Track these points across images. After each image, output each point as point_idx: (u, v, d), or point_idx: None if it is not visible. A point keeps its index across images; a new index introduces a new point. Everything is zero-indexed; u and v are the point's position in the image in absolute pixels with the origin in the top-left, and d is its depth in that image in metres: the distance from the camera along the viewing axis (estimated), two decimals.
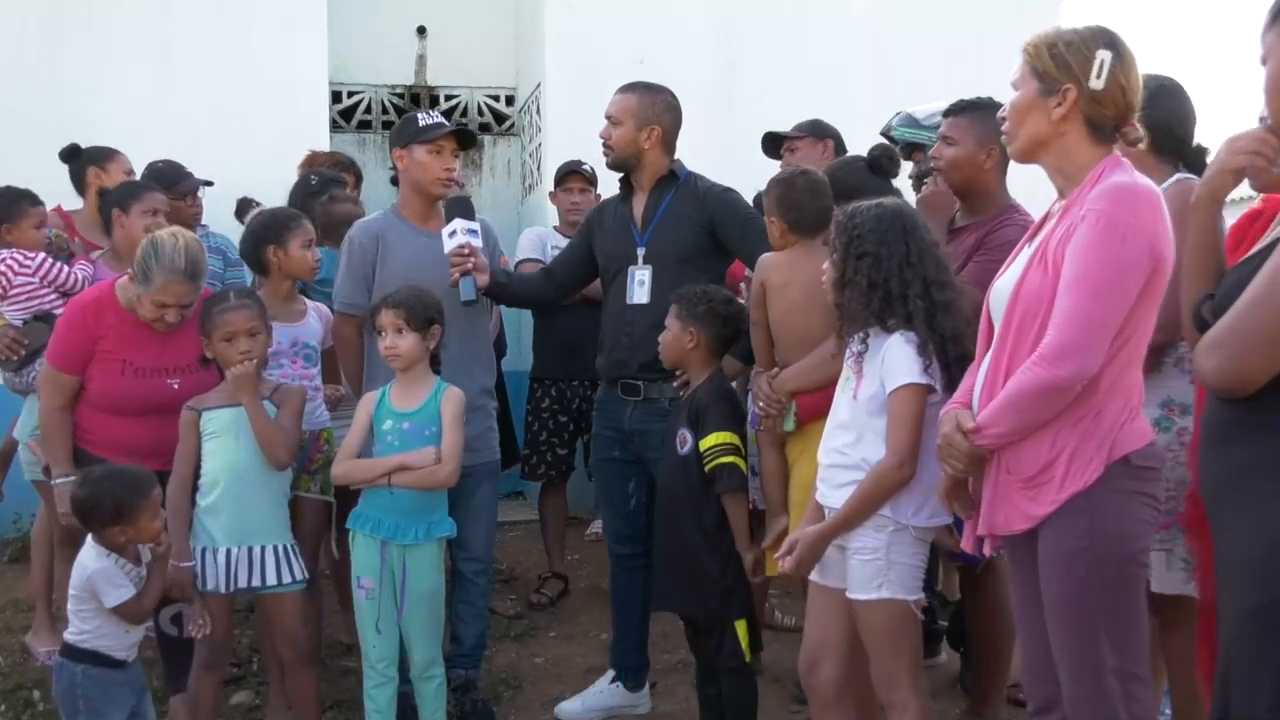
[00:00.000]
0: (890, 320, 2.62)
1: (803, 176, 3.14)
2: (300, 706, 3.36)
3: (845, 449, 2.68)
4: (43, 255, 3.99)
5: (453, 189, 3.71)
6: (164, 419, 3.26)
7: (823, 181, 3.13)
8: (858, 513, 2.62)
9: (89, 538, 2.89)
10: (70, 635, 2.90)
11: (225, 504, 3.17)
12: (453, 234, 3.53)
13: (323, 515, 3.70)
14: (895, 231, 2.64)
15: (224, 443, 3.18)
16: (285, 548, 3.26)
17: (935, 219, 3.23)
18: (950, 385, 2.61)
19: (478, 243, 3.57)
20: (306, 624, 3.37)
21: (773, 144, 4.49)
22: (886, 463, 2.58)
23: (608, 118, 3.64)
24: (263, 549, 3.20)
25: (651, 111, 3.61)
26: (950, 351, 2.61)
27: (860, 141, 4.27)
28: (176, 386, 3.32)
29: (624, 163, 3.65)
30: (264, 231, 3.68)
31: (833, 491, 2.69)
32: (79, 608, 2.87)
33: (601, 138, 3.66)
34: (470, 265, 3.51)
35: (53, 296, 3.98)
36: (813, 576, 2.79)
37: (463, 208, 3.61)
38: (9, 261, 3.95)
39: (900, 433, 2.58)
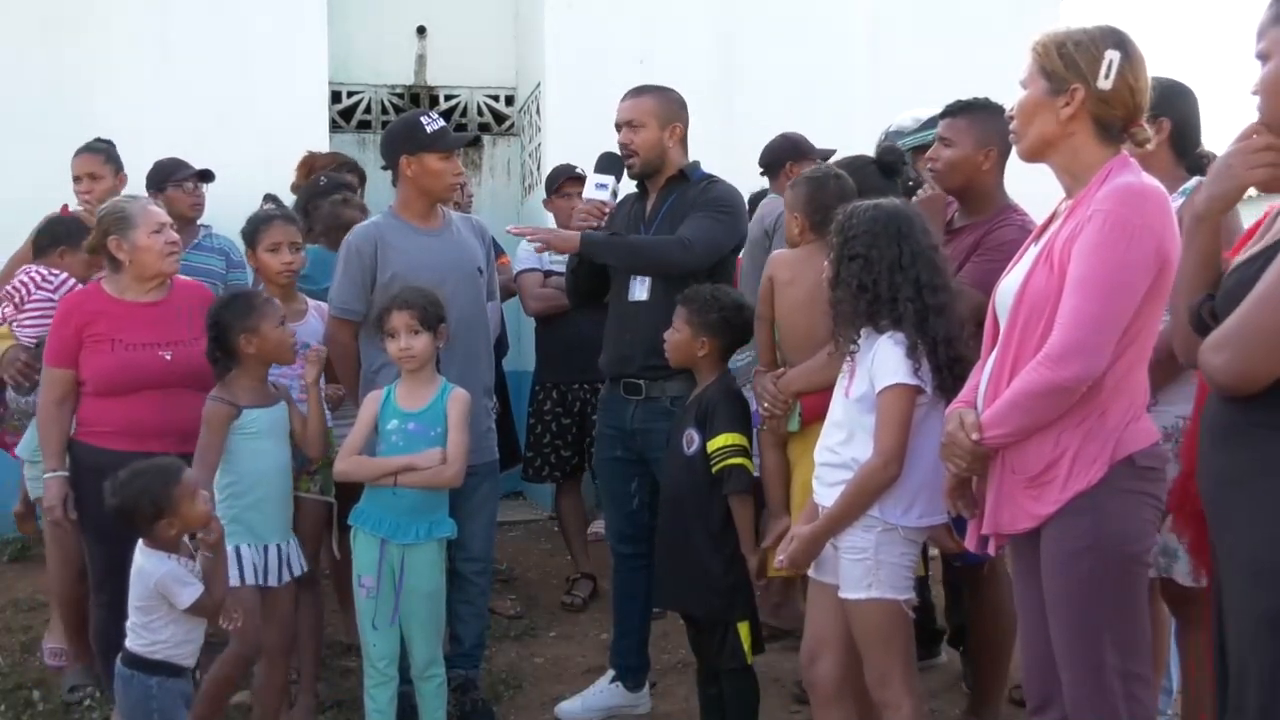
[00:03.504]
0: (881, 321, 2.64)
1: (836, 180, 3.13)
2: (269, 696, 3.36)
3: (837, 448, 2.71)
4: (66, 276, 3.93)
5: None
6: (161, 396, 3.29)
7: (853, 189, 3.12)
8: (846, 512, 2.64)
9: (140, 545, 2.82)
10: (139, 647, 2.82)
11: (271, 503, 3.24)
12: (602, 186, 3.54)
13: (323, 515, 3.71)
14: (888, 234, 2.65)
15: (268, 444, 3.22)
16: (296, 541, 3.36)
17: (933, 224, 3.23)
18: (942, 387, 2.63)
19: (613, 204, 3.57)
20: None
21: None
22: (872, 462, 2.61)
23: (628, 123, 3.58)
24: (291, 543, 3.31)
25: (671, 110, 3.60)
26: (942, 354, 2.63)
27: (859, 142, 4.27)
28: (169, 358, 3.34)
29: (651, 165, 3.60)
30: (244, 234, 3.73)
31: (825, 490, 2.72)
32: (148, 619, 2.80)
33: (623, 144, 3.60)
34: (602, 224, 3.49)
35: None
36: (810, 573, 2.81)
37: (615, 167, 3.59)
38: (33, 274, 3.90)
39: (887, 433, 2.59)
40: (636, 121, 3.58)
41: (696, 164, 3.67)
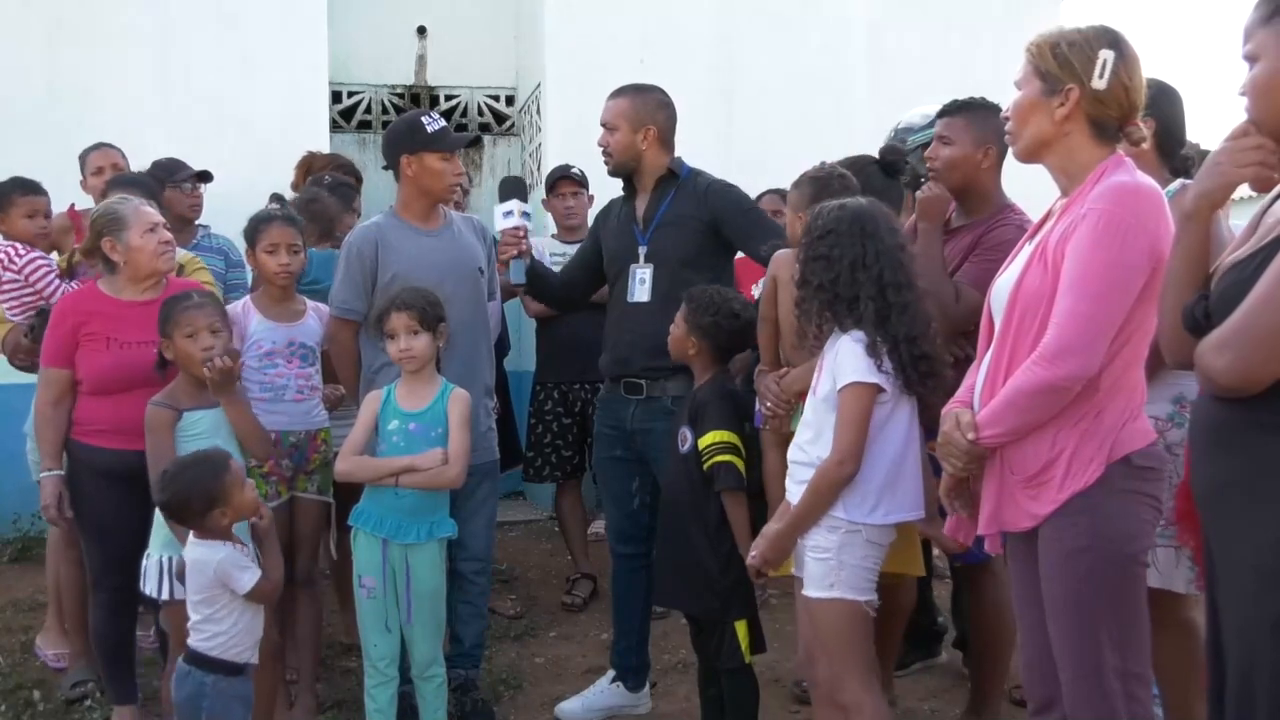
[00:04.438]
0: (843, 320, 2.66)
1: (840, 179, 3.14)
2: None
3: (805, 446, 2.73)
4: (35, 256, 3.93)
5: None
6: (154, 394, 3.27)
7: (857, 188, 3.13)
8: (808, 510, 2.66)
9: (190, 539, 2.83)
10: (200, 643, 2.82)
11: None
12: (508, 214, 3.56)
13: (321, 515, 3.70)
14: (852, 234, 2.67)
15: (214, 445, 3.13)
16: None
17: (933, 222, 3.24)
18: (908, 386, 2.65)
19: (530, 225, 3.59)
20: None
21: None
22: (828, 460, 2.63)
23: (603, 125, 3.65)
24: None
25: (645, 112, 3.61)
26: (905, 352, 2.64)
27: (860, 142, 4.27)
28: None
29: (625, 166, 3.65)
30: (245, 234, 3.72)
31: (796, 488, 2.73)
32: (211, 611, 2.81)
33: (600, 145, 3.67)
34: (524, 247, 3.52)
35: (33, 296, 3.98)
36: (795, 571, 2.82)
37: (518, 188, 3.60)
38: (5, 252, 3.92)
39: (844, 431, 2.61)
40: (610, 124, 3.63)
41: (679, 160, 3.68)
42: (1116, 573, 2.22)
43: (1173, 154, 2.91)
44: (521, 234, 3.56)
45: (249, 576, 2.80)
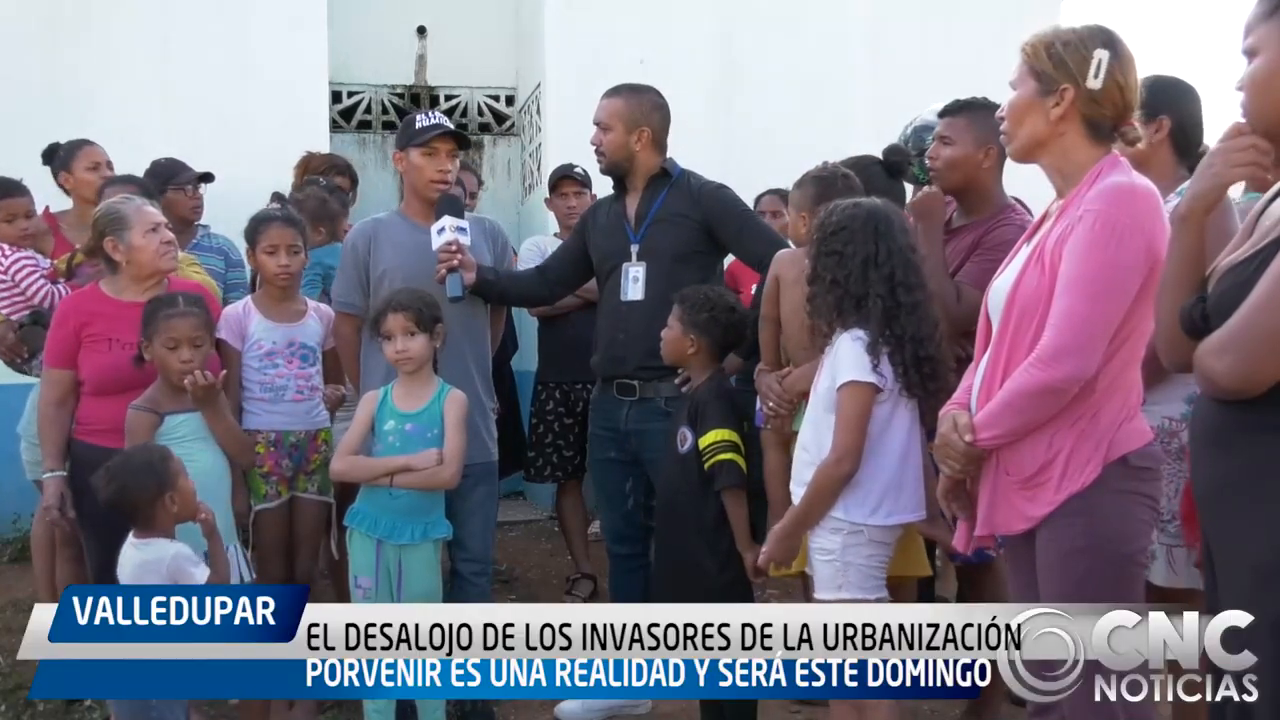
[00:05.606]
0: (849, 318, 2.67)
1: (844, 179, 3.15)
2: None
3: (808, 445, 2.74)
4: (21, 256, 3.93)
5: (453, 191, 3.71)
6: None
7: (861, 188, 3.13)
8: (810, 509, 2.68)
9: (131, 542, 2.79)
10: None
11: (216, 507, 3.11)
12: (441, 231, 3.56)
13: (321, 515, 3.69)
14: (865, 232, 2.68)
15: (196, 448, 3.15)
16: (240, 548, 3.28)
17: (931, 222, 3.23)
18: (909, 387, 2.66)
19: (465, 240, 3.59)
20: None
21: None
22: (826, 459, 2.64)
23: (597, 123, 3.66)
24: (234, 548, 3.21)
25: (639, 113, 3.62)
26: (909, 352, 2.64)
27: (860, 142, 4.27)
28: None
29: (618, 166, 3.66)
30: (246, 234, 3.72)
31: (800, 488, 2.75)
32: None
33: (593, 144, 3.68)
34: (457, 262, 3.53)
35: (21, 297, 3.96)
36: (807, 569, 2.82)
37: (451, 206, 3.63)
38: None
39: (842, 429, 2.62)
40: (605, 124, 3.64)
41: (672, 160, 3.69)
42: (1114, 573, 2.21)
43: (1189, 152, 2.90)
44: (455, 248, 3.55)
45: (200, 573, 2.74)
